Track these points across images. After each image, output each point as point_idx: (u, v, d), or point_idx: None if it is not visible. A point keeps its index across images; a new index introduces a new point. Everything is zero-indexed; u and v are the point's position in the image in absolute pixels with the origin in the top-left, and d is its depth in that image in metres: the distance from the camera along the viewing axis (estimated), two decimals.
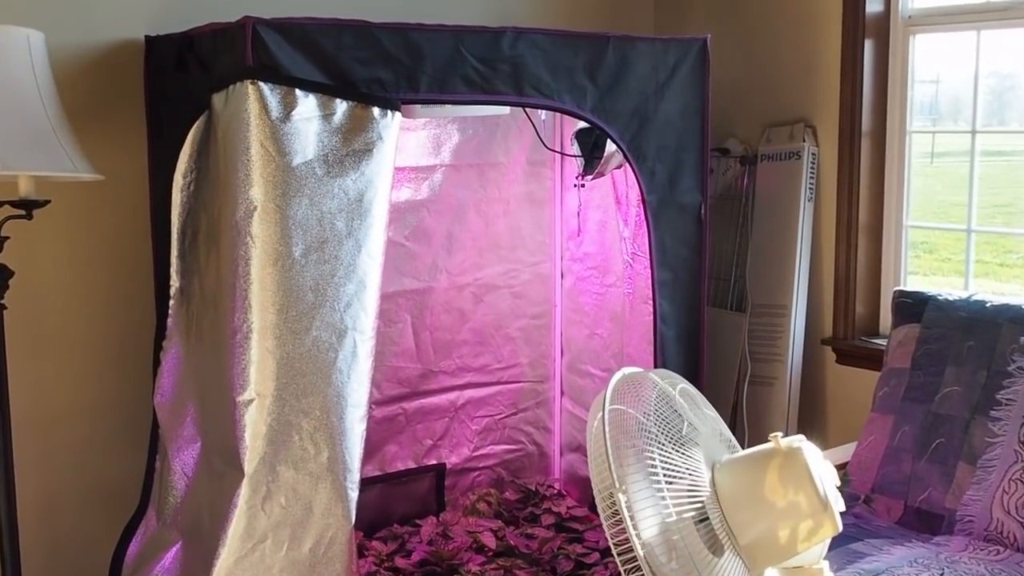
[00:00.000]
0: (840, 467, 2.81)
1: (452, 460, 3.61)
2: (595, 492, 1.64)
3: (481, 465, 3.69)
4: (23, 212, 2.34)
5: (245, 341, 2.31)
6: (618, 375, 1.78)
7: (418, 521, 3.42)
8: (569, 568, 3.24)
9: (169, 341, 2.59)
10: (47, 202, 2.38)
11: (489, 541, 3.20)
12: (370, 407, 2.47)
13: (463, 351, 3.58)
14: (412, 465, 3.51)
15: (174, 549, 2.53)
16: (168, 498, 2.57)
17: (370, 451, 3.40)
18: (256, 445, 2.33)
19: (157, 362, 2.61)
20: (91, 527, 2.84)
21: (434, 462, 3.57)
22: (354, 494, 2.44)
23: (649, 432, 1.68)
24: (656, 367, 3.10)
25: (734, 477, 1.72)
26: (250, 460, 2.32)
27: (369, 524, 3.38)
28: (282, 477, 2.37)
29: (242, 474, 2.32)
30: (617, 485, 1.59)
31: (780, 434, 1.71)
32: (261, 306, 2.31)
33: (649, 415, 1.72)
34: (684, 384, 1.89)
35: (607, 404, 1.69)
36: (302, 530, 2.39)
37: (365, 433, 2.46)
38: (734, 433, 3.41)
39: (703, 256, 3.12)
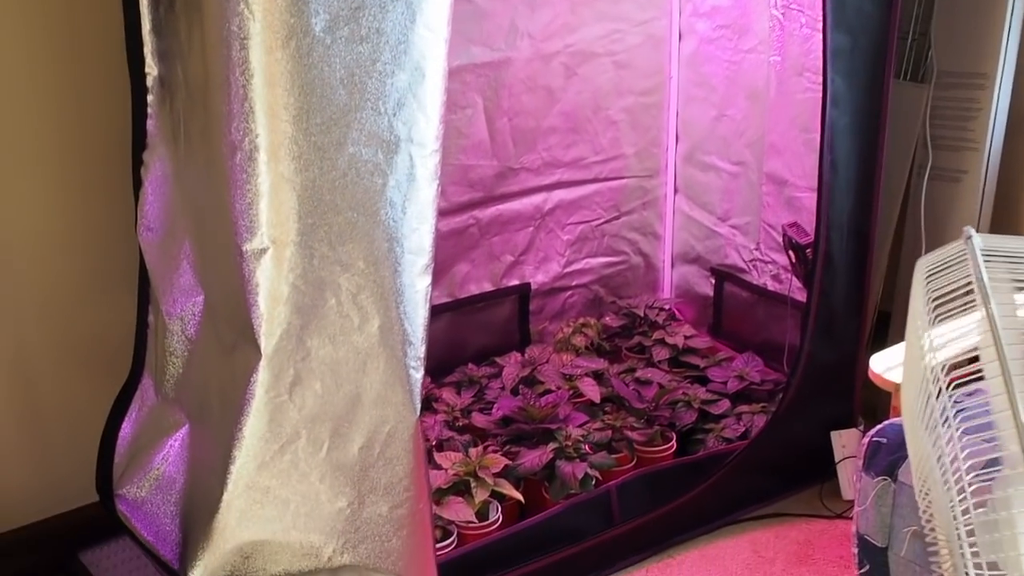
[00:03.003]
0: None
1: (538, 279, 2.88)
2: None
3: (574, 284, 2.96)
4: None
5: (248, 164, 1.54)
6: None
7: (498, 359, 2.72)
8: (692, 420, 2.55)
9: (152, 153, 1.81)
10: None
11: (591, 391, 2.49)
12: (434, 246, 1.70)
13: (551, 141, 2.78)
14: (488, 288, 2.79)
15: (180, 434, 1.86)
16: (167, 366, 1.87)
17: (436, 273, 2.67)
18: (276, 313, 1.60)
19: (138, 182, 1.84)
20: (71, 394, 2.18)
21: (516, 283, 2.84)
22: (418, 374, 1.73)
23: None
24: (820, 165, 2.28)
25: None
26: (268, 334, 1.60)
27: (437, 365, 2.70)
28: (316, 355, 1.65)
29: (259, 353, 1.60)
30: None
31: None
32: (269, 111, 1.53)
33: None
34: None
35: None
36: (348, 425, 1.70)
37: (430, 289, 1.71)
38: (901, 241, 2.58)
39: (894, 13, 2.22)
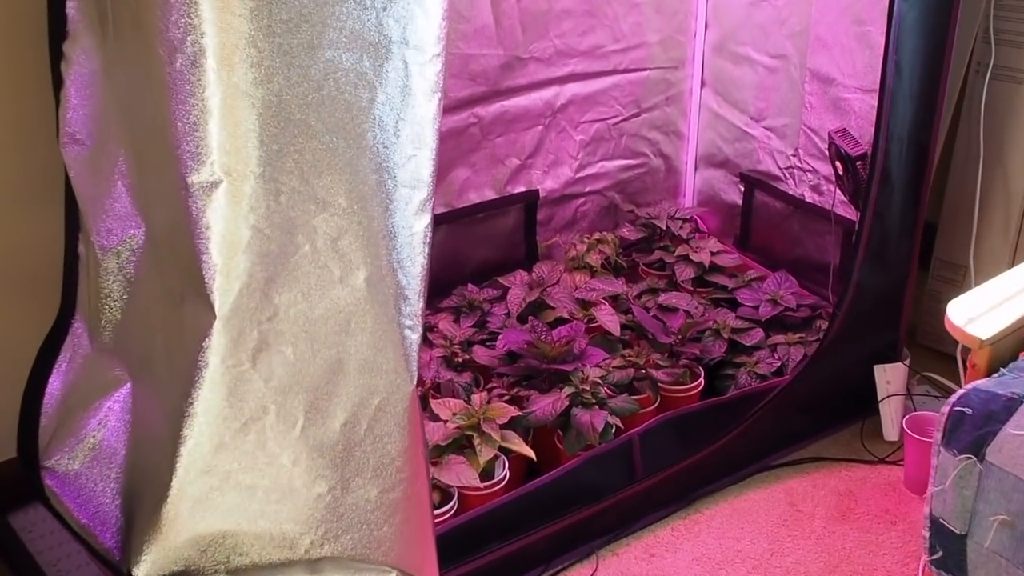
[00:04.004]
0: None
1: (548, 185, 2.54)
2: None
3: (588, 190, 2.62)
4: None
5: (192, 72, 1.19)
6: None
7: (501, 280, 2.40)
8: (722, 353, 2.26)
9: (74, 45, 1.44)
10: None
11: (610, 322, 2.18)
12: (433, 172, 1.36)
13: (564, 27, 2.41)
14: (491, 196, 2.45)
15: (119, 394, 1.53)
16: (104, 309, 1.54)
17: None
18: (233, 264, 1.27)
19: (59, 80, 1.47)
20: None
21: (522, 189, 2.50)
22: (415, 335, 1.41)
23: None
24: (884, 66, 1.93)
25: None
26: (223, 289, 1.27)
27: (433, 285, 2.36)
28: (286, 315, 1.32)
29: (212, 313, 1.28)
30: None
31: None
32: (219, 2, 1.16)
33: None
34: None
35: None
36: (327, 397, 1.38)
37: (431, 230, 1.38)
38: (952, 147, 2.22)
39: None
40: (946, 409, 1.51)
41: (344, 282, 1.34)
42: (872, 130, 2.22)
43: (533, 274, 2.41)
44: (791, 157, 2.49)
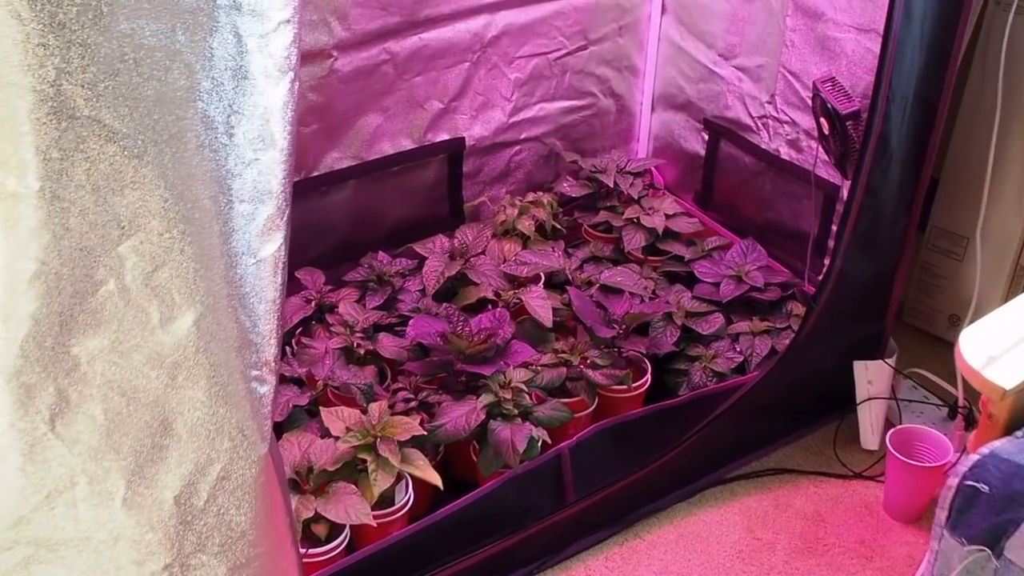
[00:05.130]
0: None
1: (475, 132, 2.14)
2: None
3: (523, 137, 2.23)
4: None
5: None
6: None
7: (417, 247, 2.02)
8: (673, 343, 1.91)
9: None
10: None
11: (541, 311, 1.81)
12: (287, 177, 0.98)
13: None
14: (408, 146, 2.06)
15: None
16: None
17: (336, 127, 1.93)
18: (13, 307, 0.93)
19: None
20: None
21: (445, 137, 2.10)
22: (265, 388, 1.06)
23: None
24: (890, 9, 1.56)
25: None
26: (4, 340, 0.93)
27: (338, 251, 2.00)
28: (89, 367, 0.97)
29: None
30: None
31: None
32: None
33: None
34: None
35: None
36: (154, 464, 1.03)
37: (284, 254, 1.00)
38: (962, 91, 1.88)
39: None
40: (954, 482, 1.17)
41: (166, 326, 0.97)
42: (867, 80, 1.86)
43: (455, 240, 2.03)
44: (766, 105, 2.11)
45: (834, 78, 1.86)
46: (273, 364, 1.05)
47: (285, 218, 0.99)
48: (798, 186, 2.08)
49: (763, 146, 2.14)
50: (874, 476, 1.88)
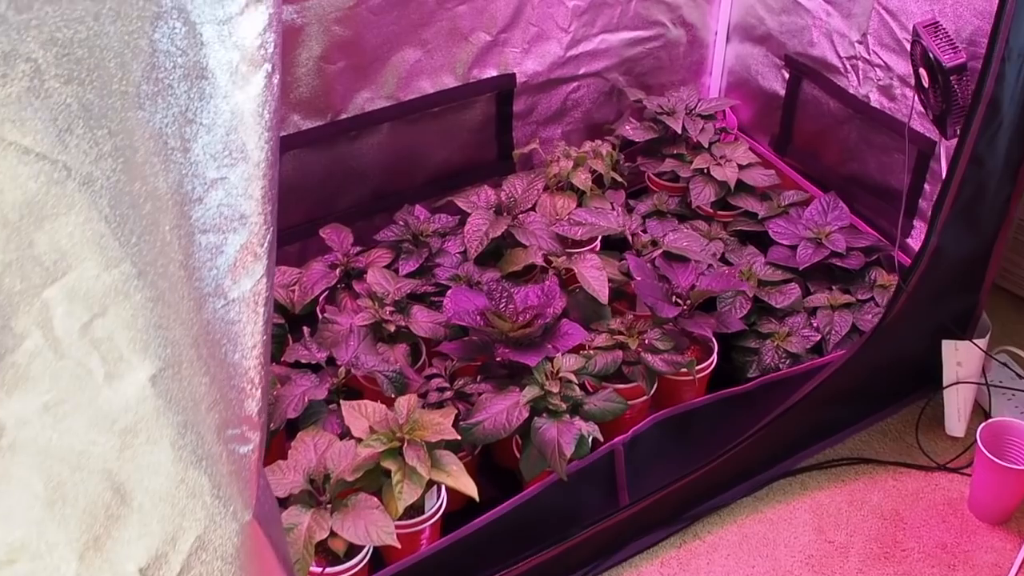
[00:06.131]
0: None
1: (528, 67, 1.91)
2: None
3: (582, 72, 2.00)
4: None
5: None
6: None
7: (459, 201, 1.82)
8: (742, 318, 1.71)
9: None
10: None
11: (597, 284, 1.62)
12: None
13: None
14: (450, 83, 1.84)
15: None
16: None
17: (366, 64, 1.72)
18: None
19: None
20: None
21: (493, 73, 1.88)
22: (246, 448, 0.88)
23: None
24: None
25: None
26: None
27: (369, 206, 1.81)
28: (19, 432, 0.80)
29: None
30: None
31: None
32: None
33: None
34: None
35: None
36: (111, 537, 0.87)
37: (267, 288, 0.81)
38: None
39: None
40: None
41: (113, 384, 0.79)
42: (975, 24, 1.61)
43: (502, 192, 1.83)
44: (856, 44, 1.86)
45: (938, 22, 1.60)
46: (256, 419, 0.88)
47: (266, 246, 0.80)
48: (888, 138, 1.84)
49: (851, 90, 1.89)
50: (959, 468, 1.69)
